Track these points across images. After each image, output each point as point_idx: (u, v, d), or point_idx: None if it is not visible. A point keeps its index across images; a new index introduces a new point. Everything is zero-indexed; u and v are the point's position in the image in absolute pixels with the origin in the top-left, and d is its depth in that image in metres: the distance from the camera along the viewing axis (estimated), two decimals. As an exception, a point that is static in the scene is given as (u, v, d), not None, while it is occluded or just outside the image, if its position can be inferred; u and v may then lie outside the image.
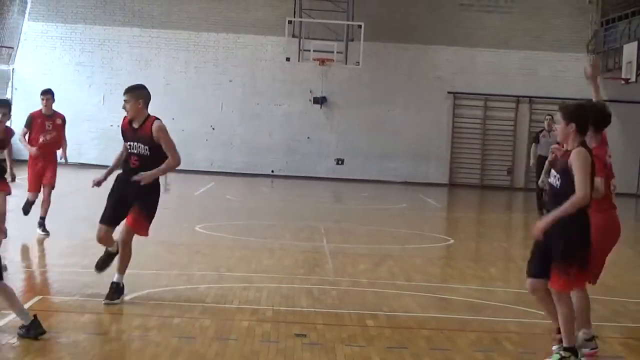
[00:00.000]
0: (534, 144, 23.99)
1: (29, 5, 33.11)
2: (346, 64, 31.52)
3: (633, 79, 28.83)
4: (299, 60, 31.87)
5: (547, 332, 8.00)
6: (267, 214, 20.74)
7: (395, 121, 33.82)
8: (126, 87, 9.38)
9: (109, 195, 9.14)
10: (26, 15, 33.14)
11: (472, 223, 23.16)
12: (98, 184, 9.19)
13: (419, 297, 10.48)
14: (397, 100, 33.17)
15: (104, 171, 9.37)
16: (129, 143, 9.03)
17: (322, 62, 31.60)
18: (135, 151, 8.97)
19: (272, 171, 32.57)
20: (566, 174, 7.18)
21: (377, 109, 33.59)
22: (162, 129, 9.00)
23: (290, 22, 31.70)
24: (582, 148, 7.23)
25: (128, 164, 9.03)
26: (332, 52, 31.67)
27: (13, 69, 32.63)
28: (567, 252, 7.15)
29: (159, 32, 33.50)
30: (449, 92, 33.59)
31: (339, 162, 33.16)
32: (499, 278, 12.80)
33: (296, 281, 10.96)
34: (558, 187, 7.29)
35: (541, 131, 23.97)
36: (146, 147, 8.90)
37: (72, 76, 32.80)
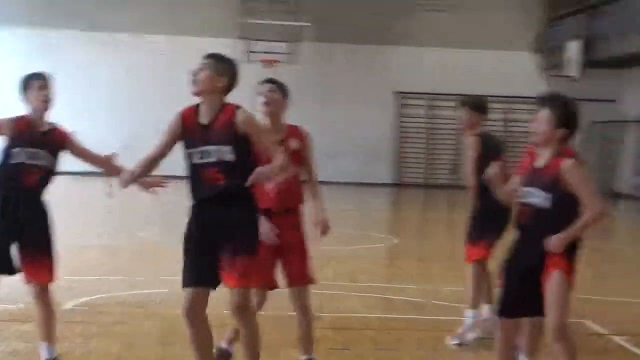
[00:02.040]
0: None
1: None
2: (293, 64, 31.99)
3: (577, 75, 30.02)
4: (247, 62, 32.04)
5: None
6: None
7: (343, 121, 34.54)
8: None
9: (187, 247, 6.26)
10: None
11: (417, 222, 23.81)
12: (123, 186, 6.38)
13: (364, 297, 10.59)
14: (345, 100, 33.80)
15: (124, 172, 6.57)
16: (199, 149, 6.11)
17: (270, 63, 32.08)
18: (214, 159, 6.10)
19: (217, 169, 33.04)
20: (557, 190, 6.09)
21: (325, 108, 34.25)
22: (253, 118, 6.32)
23: (237, 23, 32.10)
24: (572, 158, 6.23)
25: (199, 184, 6.16)
26: (280, 53, 32.22)
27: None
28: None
29: (102, 34, 33.71)
30: (395, 92, 34.22)
31: (286, 161, 33.66)
32: (442, 276, 12.97)
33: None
34: (550, 207, 6.08)
35: None
36: (228, 147, 6.09)
37: (13, 81, 32.45)
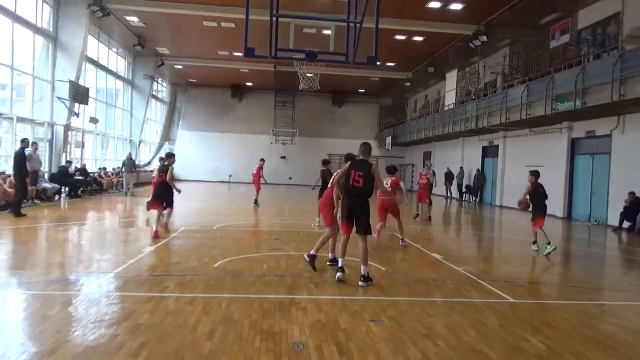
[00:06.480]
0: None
1: None
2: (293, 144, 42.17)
3: (389, 148, 41.16)
4: (274, 142, 42.81)
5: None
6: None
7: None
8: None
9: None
10: None
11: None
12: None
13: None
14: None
15: None
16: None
17: (282, 144, 43.60)
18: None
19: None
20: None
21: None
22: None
23: (272, 129, 42.54)
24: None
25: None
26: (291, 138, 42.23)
27: None
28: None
29: (214, 134, 44.20)
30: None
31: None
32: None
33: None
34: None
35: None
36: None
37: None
